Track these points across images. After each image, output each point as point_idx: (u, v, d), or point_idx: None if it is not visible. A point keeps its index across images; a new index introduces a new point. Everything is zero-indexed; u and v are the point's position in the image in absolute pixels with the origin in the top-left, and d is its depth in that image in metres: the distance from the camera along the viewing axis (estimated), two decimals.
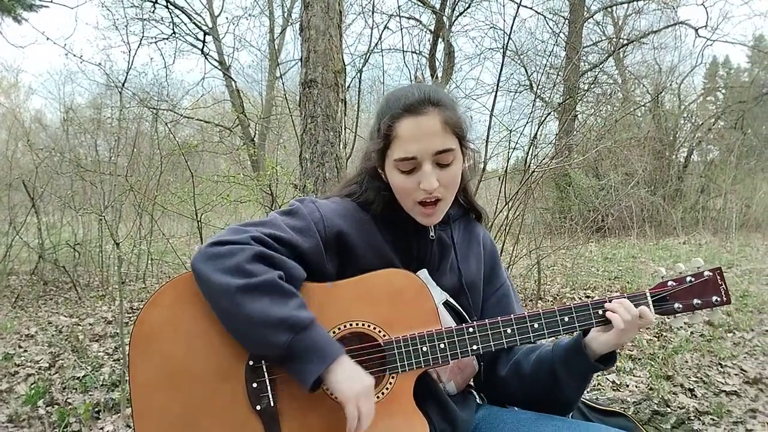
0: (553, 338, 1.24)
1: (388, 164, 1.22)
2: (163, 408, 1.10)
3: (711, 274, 1.21)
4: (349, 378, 1.07)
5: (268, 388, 1.12)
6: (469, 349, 1.18)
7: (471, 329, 1.18)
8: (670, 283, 1.23)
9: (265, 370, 1.12)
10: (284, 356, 1.06)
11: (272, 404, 1.11)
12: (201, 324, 1.14)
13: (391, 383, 1.15)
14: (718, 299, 1.21)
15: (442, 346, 1.17)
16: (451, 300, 1.30)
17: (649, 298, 1.21)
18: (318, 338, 1.07)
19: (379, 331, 1.17)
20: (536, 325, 1.19)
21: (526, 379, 1.29)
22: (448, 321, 1.25)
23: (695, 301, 1.21)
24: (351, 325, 1.16)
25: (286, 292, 1.09)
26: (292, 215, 1.22)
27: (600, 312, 1.19)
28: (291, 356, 1.06)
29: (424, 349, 1.16)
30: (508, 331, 1.19)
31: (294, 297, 1.10)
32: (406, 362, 1.16)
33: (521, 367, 1.30)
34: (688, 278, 1.22)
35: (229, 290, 1.06)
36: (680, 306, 1.21)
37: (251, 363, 1.12)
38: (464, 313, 1.31)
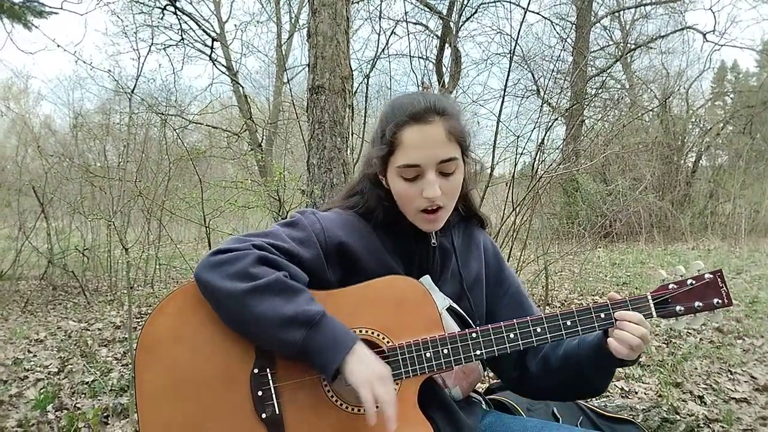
0: (555, 342, 1.25)
1: (390, 171, 1.23)
2: (169, 417, 1.11)
3: (712, 276, 1.22)
4: (363, 365, 1.07)
5: (273, 396, 1.12)
6: (472, 354, 1.18)
7: (474, 334, 1.19)
8: (671, 285, 1.23)
9: (270, 378, 1.13)
10: (301, 352, 1.07)
11: (277, 412, 1.11)
12: (206, 332, 1.14)
13: (395, 390, 1.15)
14: (720, 301, 1.21)
15: (445, 351, 1.17)
16: (455, 305, 1.31)
17: (650, 301, 1.22)
18: (330, 330, 1.08)
19: (383, 338, 1.17)
20: (539, 330, 1.20)
21: (555, 374, 1.31)
22: (452, 326, 1.26)
23: (696, 303, 1.21)
24: (355, 332, 1.16)
25: (294, 288, 1.11)
26: (293, 226, 1.24)
27: (602, 315, 1.20)
28: (307, 352, 1.07)
29: (428, 355, 1.16)
30: (511, 335, 1.19)
31: (302, 292, 1.11)
32: (410, 368, 1.16)
33: (549, 362, 1.33)
34: (689, 281, 1.22)
35: (237, 295, 1.07)
36: (682, 308, 1.21)
37: (256, 371, 1.13)
38: (468, 318, 1.31)
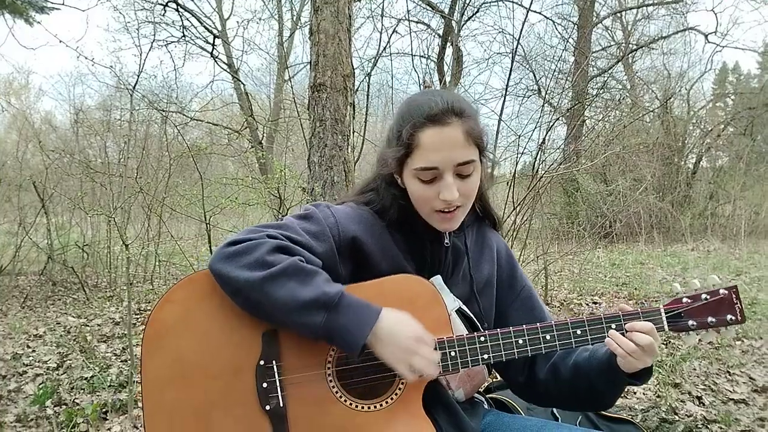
0: (564, 350, 1.24)
1: (406, 172, 1.21)
2: (174, 404, 1.11)
3: (726, 292, 1.20)
4: (389, 340, 1.08)
5: (278, 388, 1.12)
6: (480, 358, 1.17)
7: (482, 338, 1.18)
8: (684, 299, 1.21)
9: (275, 370, 1.13)
10: (324, 335, 1.08)
11: (281, 405, 1.12)
12: (214, 321, 1.14)
13: (400, 389, 1.16)
14: (733, 318, 1.19)
15: (453, 354, 1.16)
16: (464, 307, 1.30)
17: (663, 314, 1.20)
18: (351, 309, 1.08)
19: None
20: (548, 337, 1.19)
21: (565, 384, 1.30)
22: (460, 328, 1.25)
23: (710, 319, 1.19)
24: None
25: (310, 271, 1.10)
26: (307, 219, 1.23)
27: (614, 326, 1.18)
28: (330, 334, 1.07)
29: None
30: (520, 341, 1.18)
31: (318, 274, 1.11)
32: None
33: (559, 371, 1.31)
34: (704, 296, 1.20)
35: (254, 283, 1.07)
36: (695, 323, 1.19)
37: (262, 362, 1.13)
38: (476, 321, 1.30)
